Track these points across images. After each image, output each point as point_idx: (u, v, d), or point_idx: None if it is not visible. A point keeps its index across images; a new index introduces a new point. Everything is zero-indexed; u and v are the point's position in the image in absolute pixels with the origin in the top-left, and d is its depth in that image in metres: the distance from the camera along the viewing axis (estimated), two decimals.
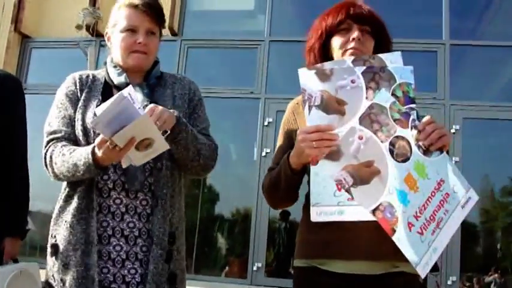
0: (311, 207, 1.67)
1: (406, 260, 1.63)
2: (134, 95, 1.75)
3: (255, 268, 7.45)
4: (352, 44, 1.82)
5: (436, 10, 7.41)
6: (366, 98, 1.66)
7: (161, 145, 1.79)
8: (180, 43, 7.77)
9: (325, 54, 1.89)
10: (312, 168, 1.68)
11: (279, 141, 1.97)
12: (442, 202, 1.65)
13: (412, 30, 7.34)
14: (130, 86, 1.81)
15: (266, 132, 7.79)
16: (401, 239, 1.56)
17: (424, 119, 1.65)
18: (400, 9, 7.60)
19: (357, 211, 1.63)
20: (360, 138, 1.61)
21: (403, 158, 1.63)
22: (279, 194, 1.86)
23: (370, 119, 1.63)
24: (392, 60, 1.70)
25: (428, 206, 1.63)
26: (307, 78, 1.69)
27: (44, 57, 8.42)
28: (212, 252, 7.94)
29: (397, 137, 1.63)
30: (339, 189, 1.62)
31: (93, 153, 1.81)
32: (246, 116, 8.05)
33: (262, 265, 7.43)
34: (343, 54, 1.84)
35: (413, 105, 1.66)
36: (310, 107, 1.68)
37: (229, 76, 7.95)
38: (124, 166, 1.85)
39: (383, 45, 1.89)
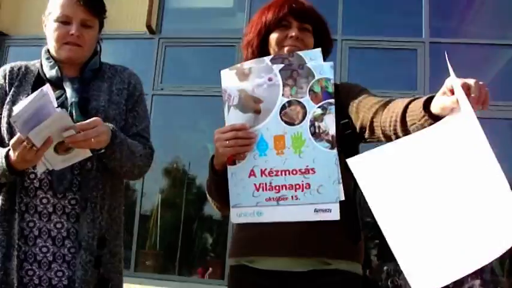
0: (231, 209, 1.67)
1: (340, 258, 1.67)
2: (52, 93, 1.68)
3: None
4: (289, 42, 1.81)
5: (416, 9, 7.34)
6: (283, 95, 1.63)
7: (82, 151, 1.73)
8: (158, 41, 7.69)
9: (263, 49, 1.86)
10: (229, 169, 1.67)
11: None
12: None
13: (392, 28, 7.30)
14: (48, 84, 1.74)
15: None
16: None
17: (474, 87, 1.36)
18: (379, 7, 7.55)
19: (275, 212, 1.62)
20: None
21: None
22: (215, 198, 1.83)
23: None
24: (312, 57, 1.66)
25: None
26: (228, 78, 1.69)
27: (22, 55, 8.34)
28: (191, 253, 7.88)
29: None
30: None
31: (6, 156, 1.74)
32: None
33: None
34: (279, 50, 1.82)
35: (331, 100, 1.61)
36: (229, 107, 1.68)
37: (208, 74, 7.87)
38: (39, 171, 1.78)
39: (323, 42, 1.85)
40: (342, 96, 1.73)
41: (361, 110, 1.70)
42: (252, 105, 1.64)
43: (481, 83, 1.31)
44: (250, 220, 1.66)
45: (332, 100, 1.60)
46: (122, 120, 1.99)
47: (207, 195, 1.88)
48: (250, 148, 1.63)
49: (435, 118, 1.37)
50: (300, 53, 1.67)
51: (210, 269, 7.99)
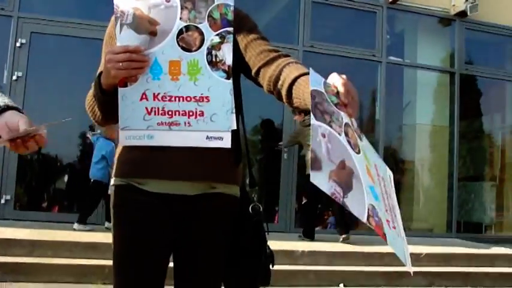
0: (120, 131, 1.63)
1: (223, 181, 1.72)
2: None
3: (2, 201, 6.99)
4: None
5: None
6: (180, 18, 1.59)
7: None
8: None
9: None
10: (120, 91, 1.61)
11: (102, 60, 1.79)
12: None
13: None
14: None
15: (18, 55, 7.22)
16: (391, 241, 1.38)
17: (341, 87, 1.45)
18: None
19: (166, 136, 1.62)
20: (323, 136, 1.34)
21: (357, 148, 1.45)
22: (97, 113, 1.77)
23: (319, 110, 1.37)
24: None
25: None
26: None
27: None
28: None
29: (345, 124, 1.43)
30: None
31: None
32: None
33: (11, 197, 7.01)
34: None
35: (229, 29, 1.60)
36: (121, 25, 1.59)
37: None
38: None
39: None
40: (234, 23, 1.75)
41: (250, 50, 1.75)
42: (147, 26, 1.57)
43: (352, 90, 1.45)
44: (139, 143, 1.63)
45: (231, 29, 1.60)
46: None
47: (86, 107, 1.81)
48: (143, 71, 1.58)
49: None
50: None
51: None
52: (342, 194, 1.29)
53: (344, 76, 1.46)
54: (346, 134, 1.41)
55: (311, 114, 1.32)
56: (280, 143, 8.20)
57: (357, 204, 1.33)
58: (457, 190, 9.38)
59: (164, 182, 1.72)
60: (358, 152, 1.44)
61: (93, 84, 1.72)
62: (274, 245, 1.92)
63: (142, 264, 1.74)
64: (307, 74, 1.54)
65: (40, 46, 7.50)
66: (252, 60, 1.75)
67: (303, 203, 8.45)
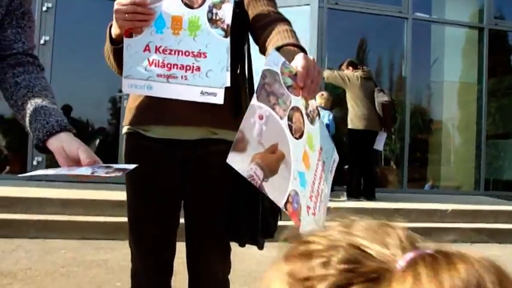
0: (123, 79, 1.72)
1: (223, 127, 1.80)
2: None
3: (34, 163, 7.20)
4: None
5: None
6: None
7: None
8: None
9: None
10: (125, 40, 1.70)
11: None
12: (321, 173, 1.55)
13: None
14: None
15: (45, 19, 7.32)
16: (304, 226, 1.35)
17: (300, 69, 1.46)
18: None
19: (164, 87, 1.70)
20: (260, 117, 1.30)
21: (299, 133, 1.42)
22: (112, 63, 1.87)
23: (265, 91, 1.33)
24: None
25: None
26: None
27: None
28: None
29: (292, 108, 1.40)
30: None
31: None
32: None
33: (43, 159, 7.20)
34: None
35: None
36: None
37: None
38: None
39: None
40: None
41: (251, 9, 1.83)
42: None
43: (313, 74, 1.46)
44: (140, 92, 1.74)
45: None
46: None
47: (105, 59, 1.90)
48: (147, 24, 1.67)
49: None
50: None
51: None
52: (261, 177, 1.25)
53: (311, 58, 1.48)
54: (290, 119, 1.38)
55: (254, 93, 1.30)
56: None
57: (277, 189, 1.29)
58: (486, 148, 9.29)
59: (166, 127, 1.82)
60: (300, 137, 1.41)
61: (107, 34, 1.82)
62: None
63: (153, 212, 1.84)
64: (290, 45, 1.61)
65: (66, 9, 7.60)
66: (251, 20, 1.82)
67: None
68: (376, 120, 7.07)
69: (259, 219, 1.81)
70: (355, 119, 7.08)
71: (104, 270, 4.12)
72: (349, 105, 7.20)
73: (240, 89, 1.89)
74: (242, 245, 1.88)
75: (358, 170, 7.16)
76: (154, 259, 1.87)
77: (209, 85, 1.67)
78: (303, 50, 1.61)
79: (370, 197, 7.10)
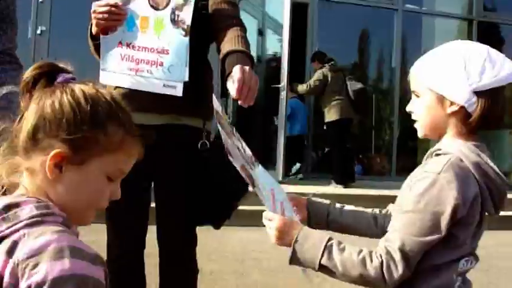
0: (100, 71, 1.96)
1: (189, 115, 2.02)
2: None
3: None
4: None
5: None
6: None
7: None
8: None
9: None
10: (102, 38, 1.95)
11: None
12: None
13: None
14: None
15: (41, 9, 7.41)
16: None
17: (236, 82, 1.69)
18: None
19: (132, 80, 1.93)
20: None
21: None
22: (96, 56, 2.06)
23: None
24: None
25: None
26: None
27: None
28: None
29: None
30: None
31: None
32: None
33: None
34: None
35: None
36: None
37: None
38: None
39: None
40: None
41: (213, 12, 2.04)
42: None
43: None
44: (113, 83, 1.96)
45: None
46: None
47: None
48: (120, 23, 1.91)
49: None
50: None
51: None
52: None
53: (247, 68, 1.72)
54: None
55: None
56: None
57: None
58: None
59: (136, 113, 2.00)
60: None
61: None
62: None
63: (124, 192, 2.03)
64: (236, 51, 1.85)
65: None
66: (212, 22, 2.02)
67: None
68: (350, 107, 7.35)
69: (219, 202, 2.02)
70: (330, 112, 7.37)
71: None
72: (323, 99, 7.50)
73: (204, 81, 2.10)
74: (217, 227, 2.10)
75: (340, 158, 7.44)
76: (127, 234, 2.09)
77: (170, 79, 1.91)
78: (248, 55, 1.85)
79: (351, 182, 7.48)
